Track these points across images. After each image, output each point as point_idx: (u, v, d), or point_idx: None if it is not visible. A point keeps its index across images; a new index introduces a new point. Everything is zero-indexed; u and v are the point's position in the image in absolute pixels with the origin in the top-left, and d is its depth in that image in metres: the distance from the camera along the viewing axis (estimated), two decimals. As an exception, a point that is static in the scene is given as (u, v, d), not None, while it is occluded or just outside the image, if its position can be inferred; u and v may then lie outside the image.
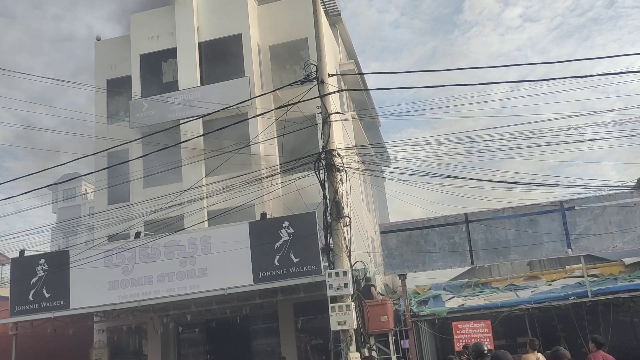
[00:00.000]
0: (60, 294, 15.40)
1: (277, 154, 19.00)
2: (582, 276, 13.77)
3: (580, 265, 13.56)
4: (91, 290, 15.27)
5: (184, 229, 16.17)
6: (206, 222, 17.39)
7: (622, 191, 12.56)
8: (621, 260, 15.29)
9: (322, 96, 12.09)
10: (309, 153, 15.25)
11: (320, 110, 12.24)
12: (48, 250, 21.52)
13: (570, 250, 12.41)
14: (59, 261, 15.59)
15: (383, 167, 17.31)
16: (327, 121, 12.06)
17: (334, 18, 24.79)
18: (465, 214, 12.99)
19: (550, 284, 14.46)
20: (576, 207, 12.61)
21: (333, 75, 12.70)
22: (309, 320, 17.95)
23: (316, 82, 12.60)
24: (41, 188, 14.37)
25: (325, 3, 23.15)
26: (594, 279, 13.83)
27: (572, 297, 12.40)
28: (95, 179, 22.34)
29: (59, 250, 17.59)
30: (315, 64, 12.63)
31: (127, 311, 16.25)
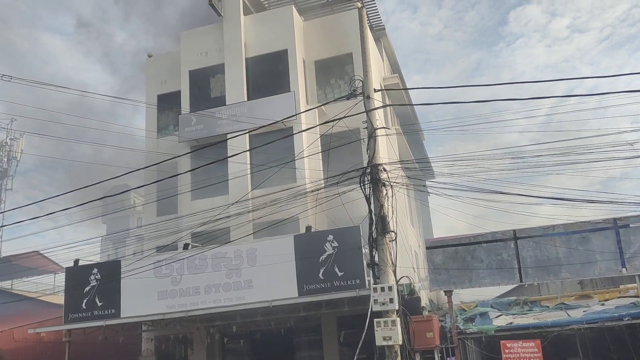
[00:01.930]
0: (112, 302, 15.89)
1: (322, 168, 19.19)
2: (637, 296, 13.30)
3: (635, 284, 13.10)
4: (141, 299, 15.70)
5: (230, 241, 16.46)
6: (252, 235, 17.67)
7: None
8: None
9: (368, 111, 12.21)
10: (353, 167, 15.39)
11: (366, 125, 12.35)
12: (99, 259, 22.27)
13: (624, 269, 12.04)
14: (111, 271, 16.11)
15: (428, 182, 17.23)
16: (372, 136, 12.16)
17: (379, 32, 24.96)
18: (514, 230, 12.79)
19: (603, 304, 14.00)
20: (631, 225, 12.25)
21: (379, 90, 12.80)
22: (352, 334, 17.88)
23: (362, 97, 12.76)
24: (95, 200, 14.92)
25: (370, 18, 23.33)
26: (650, 299, 13.34)
27: (627, 318, 12.00)
28: (145, 192, 22.98)
29: (111, 260, 18.16)
30: (361, 79, 12.77)
31: (174, 321, 16.61)
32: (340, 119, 12.43)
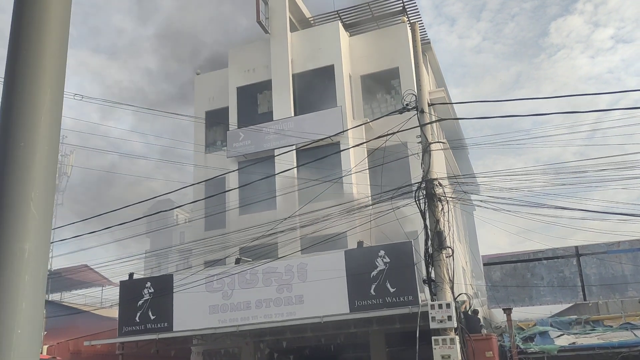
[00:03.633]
0: (164, 316, 16.09)
1: (369, 183, 19.13)
2: None
3: None
4: (193, 313, 15.85)
5: (278, 257, 16.51)
6: (299, 251, 17.69)
7: None
8: None
9: (423, 125, 12.12)
10: (401, 182, 15.29)
11: (420, 139, 12.27)
12: (142, 274, 22.62)
13: (695, 287, 11.57)
14: (163, 285, 16.33)
15: (478, 197, 16.93)
16: (427, 150, 12.06)
17: (424, 46, 24.82)
18: (576, 247, 12.42)
19: (672, 324, 13.43)
20: (702, 241, 11.79)
21: (433, 104, 12.71)
22: (400, 351, 17.64)
23: (415, 112, 12.70)
24: (143, 217, 15.15)
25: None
26: None
27: (701, 339, 11.48)
28: (193, 207, 23.32)
29: (164, 274, 18.42)
30: (414, 93, 12.71)
31: (224, 335, 16.69)
32: (393, 133, 12.37)
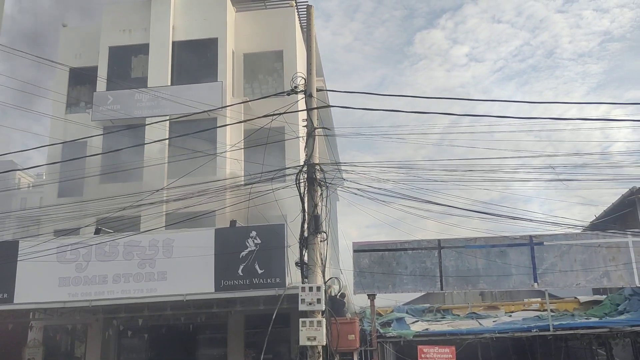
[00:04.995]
0: (4, 286, 14.49)
1: (242, 164, 18.86)
2: (540, 310, 14.26)
3: (538, 299, 14.05)
4: (39, 285, 14.45)
5: (144, 231, 15.64)
6: (163, 227, 16.91)
7: (586, 231, 13.16)
8: (576, 298, 15.96)
9: (310, 110, 12.13)
10: (276, 165, 15.23)
11: (306, 123, 12.27)
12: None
13: (536, 284, 12.88)
14: (5, 251, 14.69)
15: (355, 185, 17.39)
16: (312, 135, 12.09)
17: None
18: (439, 240, 13.26)
19: (510, 315, 14.91)
20: (545, 243, 13.14)
21: (321, 90, 12.77)
22: (257, 333, 17.67)
23: (301, 96, 12.67)
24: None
25: (301, 18, 23.31)
26: (552, 313, 14.38)
27: (535, 330, 12.82)
28: (47, 170, 21.33)
29: (8, 240, 16.54)
30: (304, 76, 12.68)
31: (73, 310, 15.45)
32: (279, 114, 12.21)
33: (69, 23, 22.79)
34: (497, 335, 12.65)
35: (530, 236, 13.24)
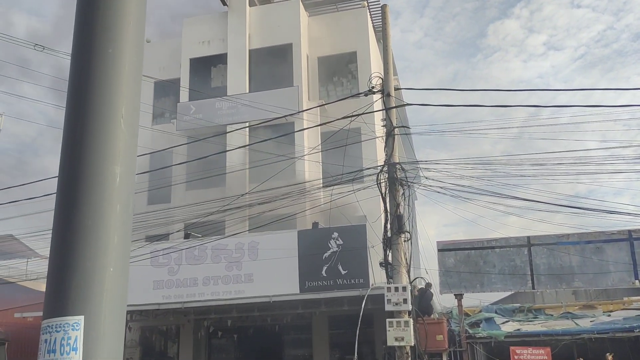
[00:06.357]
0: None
1: (321, 167, 19.01)
2: (643, 309, 13.42)
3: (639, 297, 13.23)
4: (135, 288, 15.21)
5: (230, 235, 16.12)
6: (247, 231, 17.34)
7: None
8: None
9: (389, 109, 12.08)
10: (354, 167, 15.23)
11: (385, 123, 12.23)
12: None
13: (637, 281, 12.16)
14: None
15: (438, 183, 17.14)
16: (391, 134, 12.04)
17: (379, 34, 24.87)
18: (528, 237, 12.82)
19: (609, 315, 14.11)
20: (645, 237, 12.39)
21: (399, 88, 12.69)
22: (342, 334, 17.75)
23: (378, 96, 12.63)
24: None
25: (373, 18, 23.23)
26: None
27: (638, 330, 12.09)
28: (137, 179, 22.44)
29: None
30: (381, 76, 12.65)
31: (166, 311, 16.20)
32: (358, 115, 12.25)
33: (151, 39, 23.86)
34: (596, 335, 12.03)
35: (629, 231, 12.48)
